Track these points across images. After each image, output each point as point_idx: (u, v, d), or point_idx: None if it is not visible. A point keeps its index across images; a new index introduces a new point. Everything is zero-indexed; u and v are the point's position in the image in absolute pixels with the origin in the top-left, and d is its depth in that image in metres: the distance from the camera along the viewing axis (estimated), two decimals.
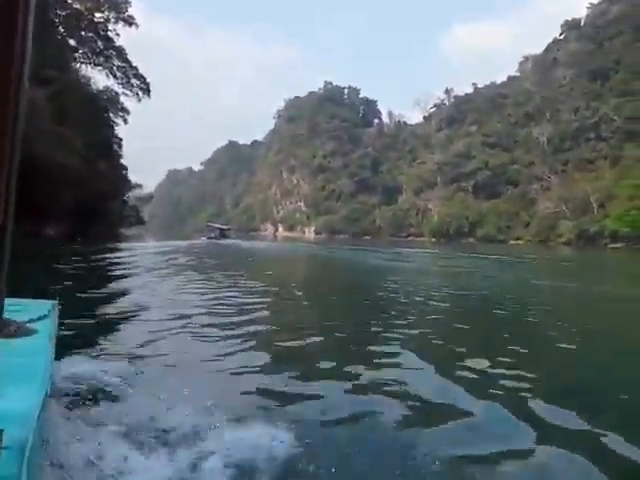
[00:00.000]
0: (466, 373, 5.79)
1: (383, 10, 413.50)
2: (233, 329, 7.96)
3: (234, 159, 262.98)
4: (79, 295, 10.59)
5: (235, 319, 8.86)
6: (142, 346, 6.56)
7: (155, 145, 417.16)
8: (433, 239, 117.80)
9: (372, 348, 7.02)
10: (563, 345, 7.57)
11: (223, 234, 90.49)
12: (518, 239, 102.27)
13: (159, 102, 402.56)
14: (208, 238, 78.34)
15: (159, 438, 3.42)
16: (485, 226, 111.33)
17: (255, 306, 10.52)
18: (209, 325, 8.20)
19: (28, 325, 2.56)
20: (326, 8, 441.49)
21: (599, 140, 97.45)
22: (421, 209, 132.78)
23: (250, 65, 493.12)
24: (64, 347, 3.55)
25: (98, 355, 5.87)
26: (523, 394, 5.03)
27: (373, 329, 8.60)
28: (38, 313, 2.93)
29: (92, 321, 8.17)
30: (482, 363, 6.22)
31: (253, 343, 7.06)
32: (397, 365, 6.08)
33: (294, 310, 11.05)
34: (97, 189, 47.47)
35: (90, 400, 3.94)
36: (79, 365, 4.75)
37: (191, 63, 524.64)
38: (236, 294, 12.43)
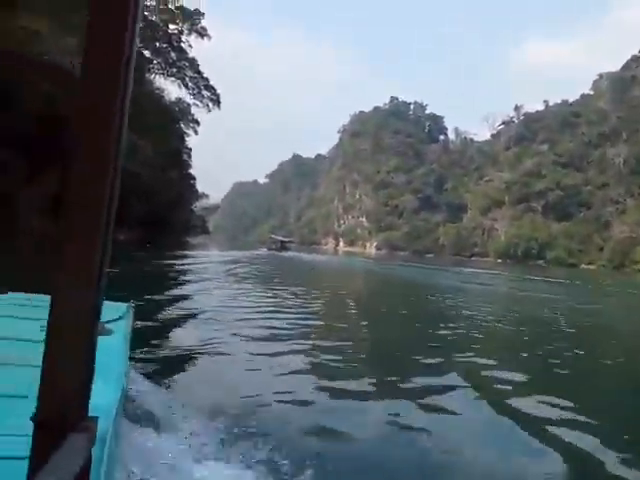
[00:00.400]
0: (514, 408, 5.77)
1: (451, 27, 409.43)
2: (280, 339, 8.61)
3: (298, 173, 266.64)
4: (148, 297, 11.58)
5: (285, 328, 9.49)
6: (202, 346, 7.46)
7: (223, 158, 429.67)
8: (499, 260, 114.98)
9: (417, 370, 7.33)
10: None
11: (284, 246, 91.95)
12: (590, 263, 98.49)
13: (227, 115, 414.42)
14: (269, 249, 79.78)
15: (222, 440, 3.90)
16: (555, 249, 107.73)
17: (307, 315, 11.24)
18: (260, 335, 8.90)
19: (106, 325, 3.03)
20: (391, 24, 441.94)
21: None
22: (487, 228, 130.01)
23: (317, 80, 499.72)
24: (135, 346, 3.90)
25: (164, 358, 6.54)
26: (585, 448, 4.82)
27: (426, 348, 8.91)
28: (115, 314, 3.28)
29: (156, 323, 8.89)
30: (534, 400, 6.16)
31: (296, 347, 7.78)
32: (445, 395, 6.18)
33: (348, 323, 11.34)
34: (167, 198, 49.33)
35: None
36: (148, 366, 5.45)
37: (257, 77, 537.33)
38: (289, 303, 13.28)
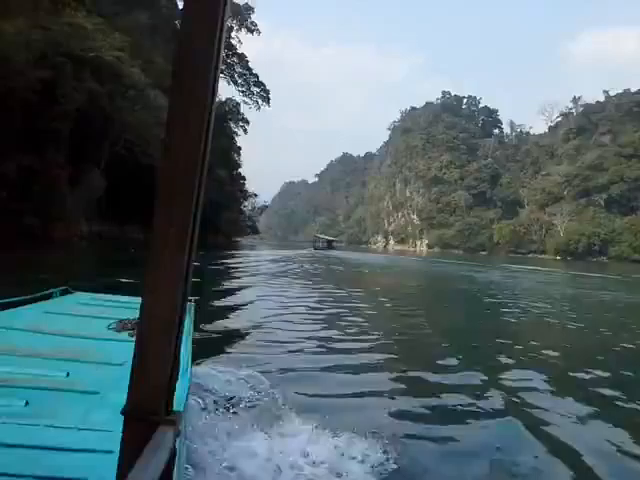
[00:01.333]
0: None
1: (505, 18, 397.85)
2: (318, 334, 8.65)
3: (347, 171, 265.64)
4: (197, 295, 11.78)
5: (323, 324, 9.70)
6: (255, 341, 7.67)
7: (273, 159, 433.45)
8: (558, 257, 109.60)
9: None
10: None
11: (330, 245, 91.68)
12: None
13: (278, 117, 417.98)
14: (315, 249, 79.49)
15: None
16: (618, 244, 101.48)
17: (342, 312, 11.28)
18: (298, 325, 9.34)
19: None
20: (443, 17, 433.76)
21: None
22: (544, 224, 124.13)
23: (366, 78, 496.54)
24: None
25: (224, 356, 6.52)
26: None
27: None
28: None
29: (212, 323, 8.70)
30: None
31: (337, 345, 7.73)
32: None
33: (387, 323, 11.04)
34: (216, 197, 48.69)
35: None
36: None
37: (308, 77, 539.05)
38: (324, 301, 13.37)
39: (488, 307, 15.04)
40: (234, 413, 3.94)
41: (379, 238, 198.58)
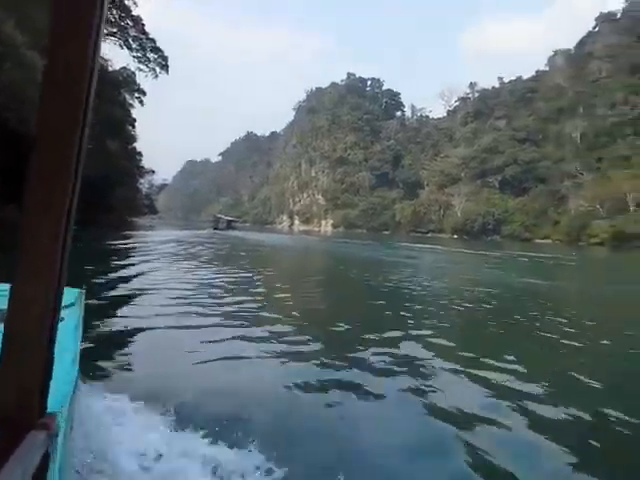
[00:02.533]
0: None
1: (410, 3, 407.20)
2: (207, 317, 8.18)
3: (252, 151, 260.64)
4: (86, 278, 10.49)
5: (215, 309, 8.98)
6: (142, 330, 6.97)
7: (176, 137, 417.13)
8: (455, 236, 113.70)
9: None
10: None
11: (230, 225, 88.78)
12: (545, 238, 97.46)
13: (179, 94, 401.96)
14: (214, 229, 76.81)
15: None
16: (511, 224, 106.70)
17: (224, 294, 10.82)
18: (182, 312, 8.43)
19: None
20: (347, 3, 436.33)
21: (638, 136, 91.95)
22: (443, 205, 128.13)
23: (269, 57, 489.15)
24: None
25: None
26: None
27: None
28: (66, 301, 2.85)
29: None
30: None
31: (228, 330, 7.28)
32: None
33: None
34: (107, 171, 43.80)
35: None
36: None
37: (215, 57, 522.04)
38: (220, 282, 13.03)
39: (379, 287, 14.70)
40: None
41: (284, 218, 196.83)
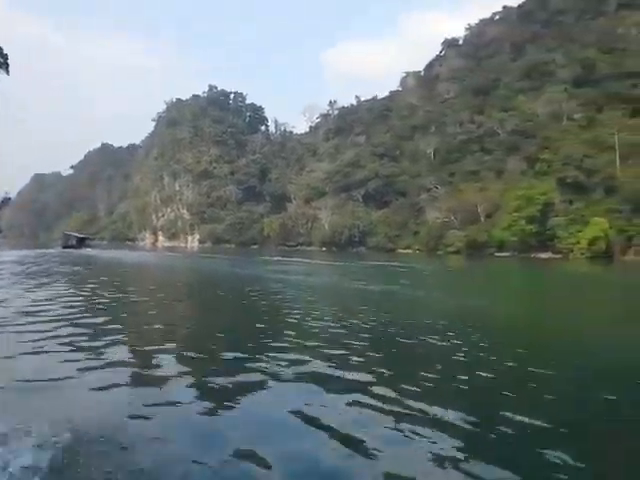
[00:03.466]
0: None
1: (272, 22, 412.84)
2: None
3: (108, 163, 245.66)
4: None
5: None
6: None
7: (22, 151, 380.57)
8: (323, 248, 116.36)
9: None
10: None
11: (84, 243, 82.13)
12: (407, 248, 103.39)
13: (23, 106, 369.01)
14: (64, 247, 71.71)
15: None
16: (375, 235, 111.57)
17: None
18: None
19: None
20: (216, 16, 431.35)
21: (484, 152, 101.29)
22: (310, 218, 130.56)
23: (128, 68, 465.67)
24: None
25: None
26: None
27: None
28: None
29: None
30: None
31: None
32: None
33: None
34: None
35: None
36: None
37: (61, 62, 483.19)
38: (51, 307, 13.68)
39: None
40: None
41: (147, 234, 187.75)
